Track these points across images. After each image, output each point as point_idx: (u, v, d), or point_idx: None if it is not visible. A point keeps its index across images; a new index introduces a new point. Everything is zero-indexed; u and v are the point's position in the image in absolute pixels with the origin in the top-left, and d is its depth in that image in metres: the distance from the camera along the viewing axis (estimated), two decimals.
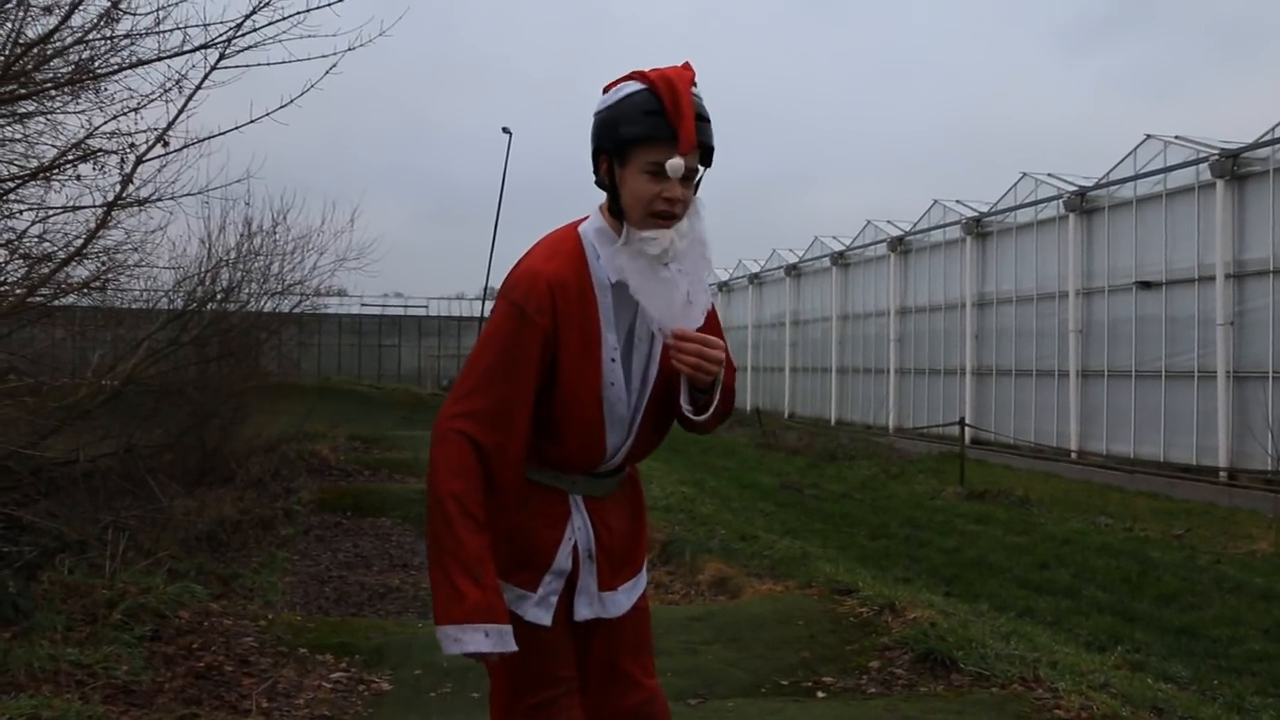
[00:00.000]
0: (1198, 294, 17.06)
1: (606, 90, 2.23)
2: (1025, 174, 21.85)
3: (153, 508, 8.58)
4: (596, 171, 2.24)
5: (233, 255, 11.17)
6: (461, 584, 2.06)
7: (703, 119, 2.17)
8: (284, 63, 5.79)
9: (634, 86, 2.17)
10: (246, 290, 11.83)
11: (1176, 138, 17.84)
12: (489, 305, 36.38)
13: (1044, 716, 4.24)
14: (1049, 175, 21.29)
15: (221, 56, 5.74)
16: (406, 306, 39.18)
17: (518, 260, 2.27)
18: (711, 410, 2.26)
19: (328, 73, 5.84)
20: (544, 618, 2.25)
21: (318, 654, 5.01)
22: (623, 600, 2.37)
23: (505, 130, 30.73)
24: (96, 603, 4.95)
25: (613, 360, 2.23)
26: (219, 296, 10.91)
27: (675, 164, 2.12)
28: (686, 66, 2.21)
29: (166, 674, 4.43)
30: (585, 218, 2.30)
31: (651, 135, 2.13)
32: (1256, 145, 15.97)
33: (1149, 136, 18.34)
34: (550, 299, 2.15)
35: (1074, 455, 19.45)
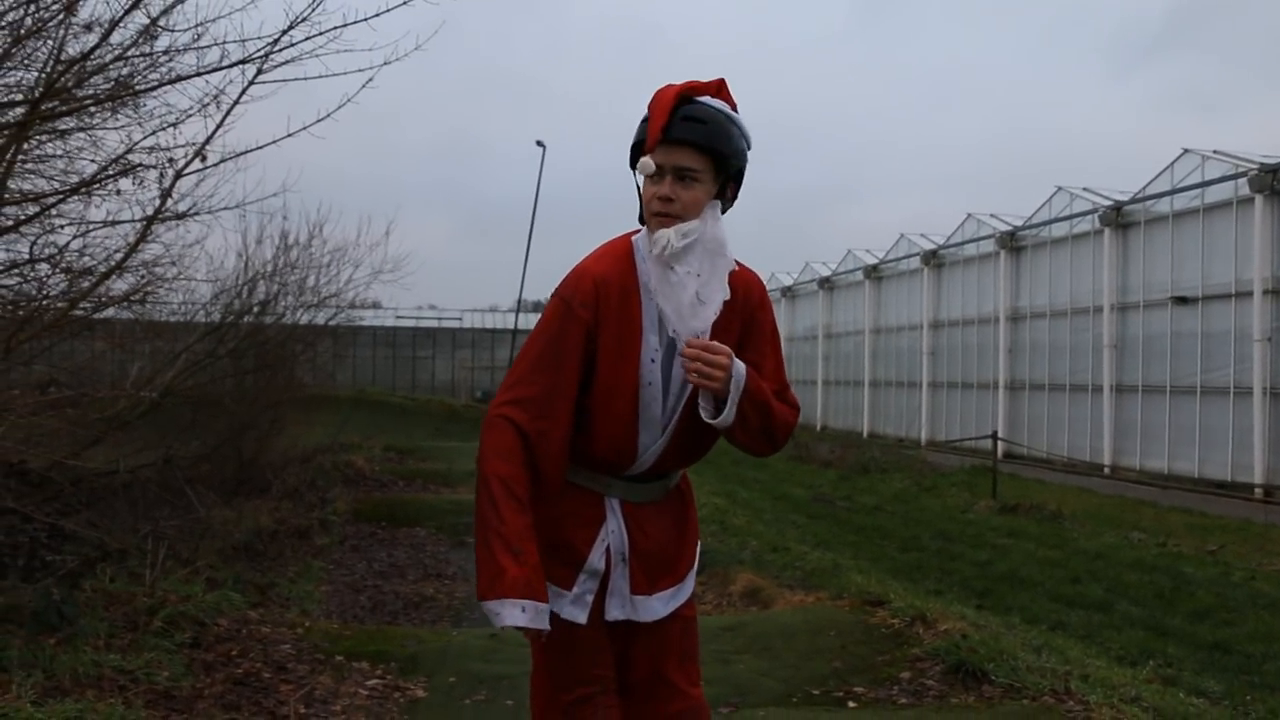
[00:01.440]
0: (1235, 309, 16.91)
1: None
2: (1060, 188, 21.75)
3: (191, 517, 8.71)
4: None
5: (269, 268, 11.32)
6: (503, 560, 2.15)
7: (696, 120, 2.27)
8: (320, 77, 5.89)
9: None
10: (282, 303, 11.99)
11: (1215, 152, 17.71)
12: (523, 317, 36.60)
13: None
14: (1084, 189, 21.18)
15: (259, 72, 5.85)
16: (440, 319, 39.44)
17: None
18: (727, 417, 2.28)
19: (364, 87, 5.94)
20: (579, 615, 2.33)
21: (354, 661, 5.08)
22: (657, 607, 2.42)
23: (539, 144, 30.96)
24: (138, 610, 5.05)
25: (652, 361, 2.30)
26: (255, 309, 11.05)
27: (644, 162, 2.28)
28: (717, 80, 2.34)
29: (206, 680, 4.51)
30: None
31: (640, 139, 2.31)
32: None
33: (1186, 151, 18.22)
34: (594, 295, 2.27)
35: (1107, 470, 19.30)
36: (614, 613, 2.37)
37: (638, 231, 2.41)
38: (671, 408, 2.35)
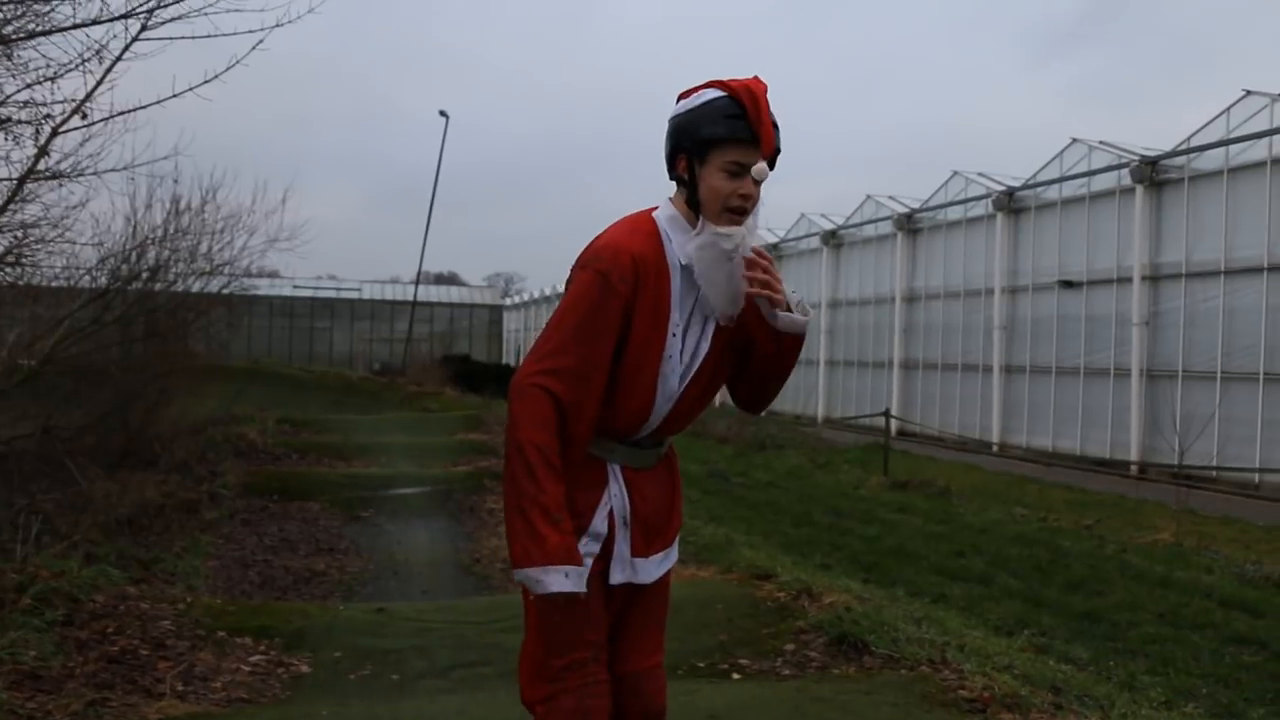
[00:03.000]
0: (1116, 295, 17.56)
1: (682, 98, 2.42)
2: (956, 172, 22.24)
3: (71, 491, 8.45)
4: (672, 168, 2.42)
5: (159, 233, 10.97)
6: (543, 528, 2.19)
7: (776, 126, 2.36)
8: (209, 36, 5.76)
9: (715, 94, 2.35)
10: (174, 270, 11.65)
11: (1101, 143, 18.30)
12: (423, 289, 36.16)
13: (948, 696, 4.37)
14: (979, 174, 21.69)
15: (144, 27, 5.67)
16: (339, 289, 38.77)
17: (596, 236, 2.42)
18: (804, 318, 2.44)
19: (254, 48, 5.83)
20: (580, 581, 2.34)
21: (236, 637, 4.99)
22: (654, 569, 2.51)
23: (442, 113, 30.63)
24: (4, 587, 4.85)
25: (674, 335, 2.39)
26: (144, 276, 10.70)
27: (760, 168, 2.34)
28: (758, 80, 2.39)
29: (79, 659, 4.37)
30: (656, 207, 2.48)
31: (733, 137, 2.31)
32: (1174, 153, 16.46)
33: (1075, 140, 18.79)
34: (634, 271, 2.32)
35: (995, 448, 19.90)
36: (616, 576, 2.43)
37: (653, 209, 2.47)
38: (683, 377, 2.43)
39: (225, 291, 14.24)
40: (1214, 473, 14.61)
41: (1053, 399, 19.03)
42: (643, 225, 2.42)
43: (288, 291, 35.92)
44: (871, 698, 4.31)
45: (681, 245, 2.39)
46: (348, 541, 8.89)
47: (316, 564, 8.00)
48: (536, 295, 54.92)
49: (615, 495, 2.42)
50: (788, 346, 2.48)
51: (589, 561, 2.35)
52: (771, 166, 2.40)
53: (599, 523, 2.39)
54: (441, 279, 57.69)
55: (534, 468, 2.21)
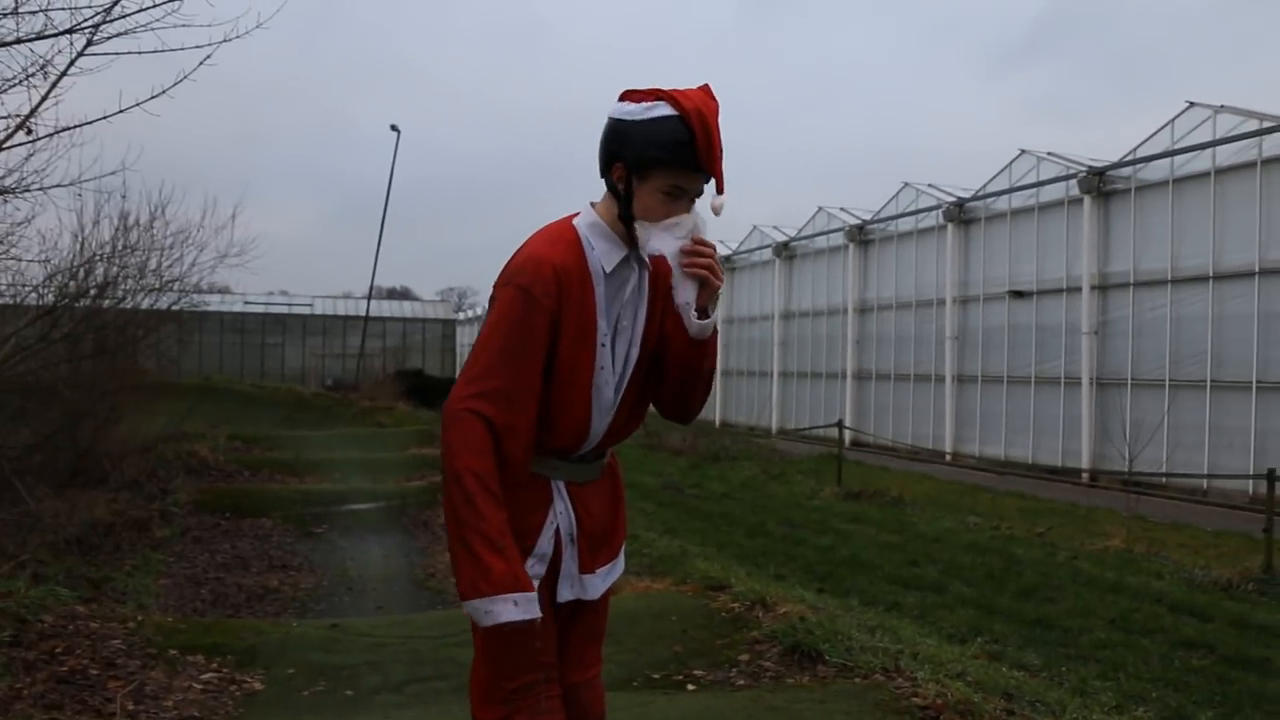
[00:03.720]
0: (1065, 304, 17.83)
1: (626, 98, 2.32)
2: (907, 184, 22.47)
3: (19, 510, 8.31)
4: (606, 172, 2.34)
5: (108, 250, 10.84)
6: (486, 557, 2.12)
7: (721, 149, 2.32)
8: (155, 51, 5.71)
9: (665, 111, 2.26)
10: (123, 286, 11.52)
11: (1049, 154, 18.58)
12: (375, 304, 35.92)
13: (902, 704, 4.41)
14: (929, 185, 21.94)
15: (89, 43, 5.63)
16: (291, 305, 38.41)
17: (516, 250, 2.35)
18: (713, 321, 2.38)
19: (201, 64, 5.81)
20: None
21: (188, 655, 4.94)
22: (599, 583, 2.47)
23: (394, 128, 30.51)
24: None
25: (603, 345, 2.33)
26: (93, 292, 10.58)
27: (719, 204, 2.32)
28: (708, 92, 2.33)
29: (26, 680, 4.31)
30: (576, 214, 2.40)
31: (677, 163, 2.25)
32: (1120, 164, 16.76)
33: (1023, 151, 19.07)
34: (556, 284, 2.25)
35: (948, 457, 20.09)
36: (565, 594, 2.38)
37: (573, 216, 2.40)
38: (617, 388, 2.38)
39: (175, 308, 14.10)
40: (1163, 479, 14.85)
41: (1005, 408, 19.27)
42: (563, 234, 2.34)
43: (239, 307, 35.57)
44: (825, 706, 4.34)
45: (605, 253, 2.33)
46: (301, 558, 8.82)
47: (269, 581, 7.92)
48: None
49: (561, 513, 2.36)
50: (709, 350, 2.45)
51: (535, 584, 2.28)
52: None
53: (544, 543, 2.33)
54: (394, 294, 57.35)
55: (472, 496, 2.14)
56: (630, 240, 2.33)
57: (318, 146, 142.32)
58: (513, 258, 2.33)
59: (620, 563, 2.59)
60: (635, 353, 2.41)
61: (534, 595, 2.17)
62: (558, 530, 2.36)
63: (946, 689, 4.55)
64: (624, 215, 2.32)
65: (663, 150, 2.24)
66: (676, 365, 2.45)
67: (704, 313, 2.37)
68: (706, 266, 2.30)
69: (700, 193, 2.31)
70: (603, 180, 2.38)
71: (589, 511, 2.42)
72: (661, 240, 2.28)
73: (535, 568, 2.31)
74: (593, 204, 2.40)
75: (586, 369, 2.31)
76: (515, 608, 2.13)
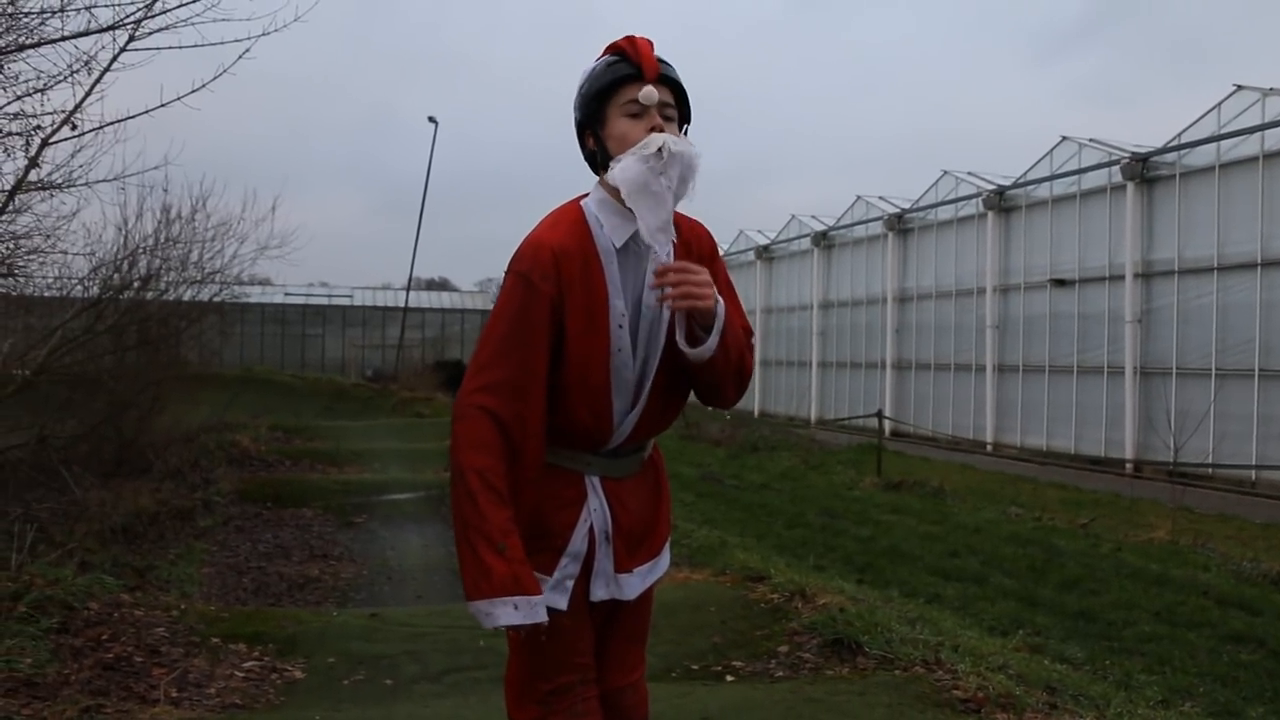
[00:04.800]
0: (1108, 292, 17.59)
1: None
2: (946, 172, 22.26)
3: (66, 499, 8.45)
4: (584, 149, 2.31)
5: (150, 242, 10.98)
6: (487, 558, 2.06)
7: (664, 61, 2.27)
8: (195, 46, 5.78)
9: (600, 59, 2.28)
10: (165, 278, 11.67)
11: (1091, 140, 18.32)
12: (414, 295, 36.13)
13: (942, 696, 4.38)
14: (969, 174, 21.71)
15: (131, 38, 5.70)
16: (331, 296, 38.72)
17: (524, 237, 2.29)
18: (710, 345, 2.23)
19: (240, 57, 5.86)
20: (560, 602, 2.22)
21: (230, 644, 4.99)
22: (637, 583, 2.36)
23: (431, 120, 30.67)
24: (0, 595, 4.88)
25: (620, 326, 2.22)
26: (136, 285, 10.72)
27: (647, 91, 2.21)
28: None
29: (74, 666, 4.38)
30: (585, 194, 2.32)
31: (618, 79, 2.22)
32: (1165, 150, 16.49)
33: (1065, 138, 18.81)
34: (555, 266, 2.16)
35: (989, 447, 19.92)
36: (598, 593, 2.29)
37: (583, 196, 2.32)
38: (641, 371, 2.27)
39: (217, 299, 14.24)
40: (1210, 470, 14.63)
41: (1046, 398, 19.05)
42: (566, 215, 2.26)
43: (279, 299, 35.91)
44: (865, 699, 4.32)
45: (615, 229, 2.23)
46: (341, 547, 8.89)
47: (310, 570, 7.99)
48: None
49: (595, 510, 2.27)
50: (718, 365, 2.29)
51: (569, 584, 2.23)
52: (684, 112, 2.31)
53: (578, 541, 2.25)
54: (433, 285, 57.64)
55: (474, 494, 2.08)
56: None
57: (360, 139, 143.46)
58: (520, 244, 2.26)
59: (663, 560, 2.47)
60: (661, 334, 2.28)
61: (538, 599, 2.10)
62: (591, 528, 2.27)
63: (988, 682, 4.51)
64: (598, 168, 2.28)
65: (601, 79, 2.24)
66: (696, 373, 2.33)
67: (696, 340, 2.25)
68: (682, 294, 2.17)
69: (650, 101, 2.21)
70: (586, 164, 2.34)
71: (625, 508, 2.32)
72: (630, 169, 2.16)
73: (569, 567, 2.24)
74: (599, 181, 2.31)
75: (601, 353, 2.21)
76: (515, 611, 2.07)
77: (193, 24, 5.59)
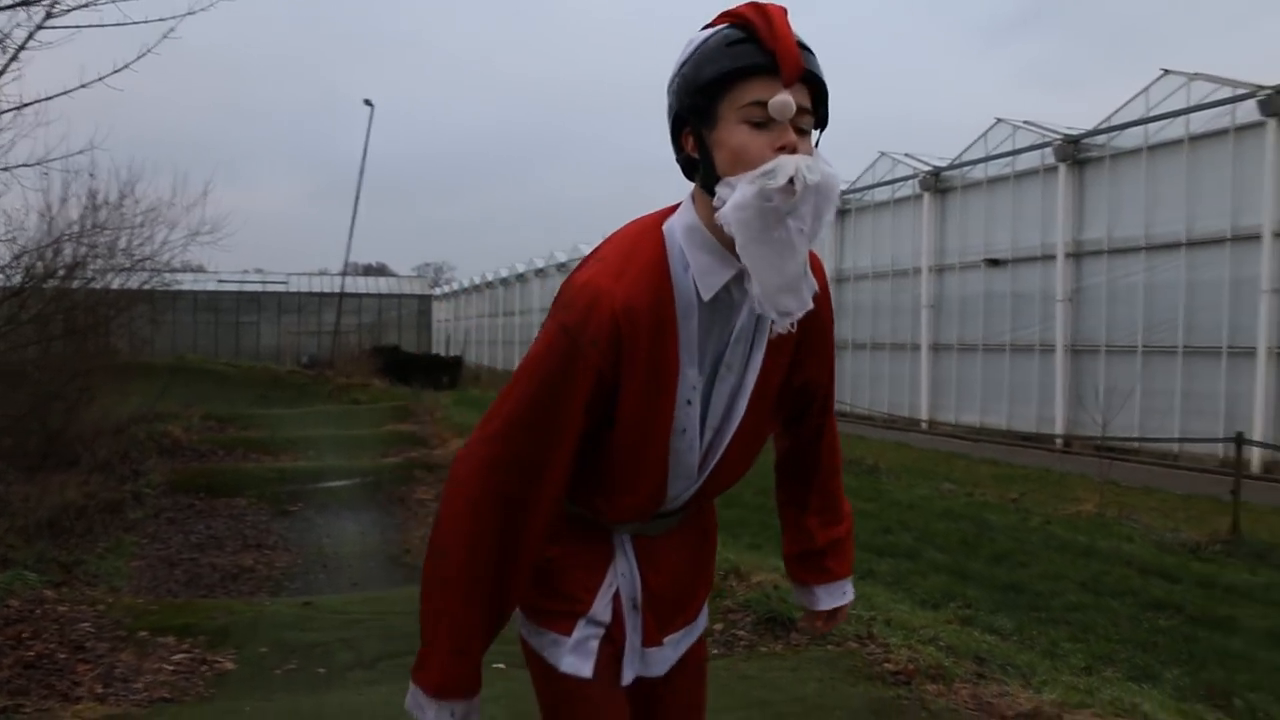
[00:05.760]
0: (1040, 272, 17.90)
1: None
2: (883, 153, 22.46)
3: None
4: (680, 152, 1.69)
5: (76, 229, 10.77)
6: (442, 654, 1.73)
7: (805, 47, 1.62)
8: (118, 25, 5.65)
9: (712, 30, 1.65)
10: (92, 266, 11.45)
11: (1025, 122, 18.59)
12: (349, 281, 35.71)
13: (874, 670, 4.45)
14: (906, 155, 21.93)
15: (49, 14, 5.56)
16: (265, 282, 38.14)
17: (581, 262, 1.76)
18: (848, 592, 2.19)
19: (165, 37, 5.74)
20: (583, 668, 1.80)
21: (159, 636, 4.92)
22: (668, 654, 1.91)
23: (367, 102, 30.29)
24: None
25: (689, 403, 1.72)
26: (61, 272, 10.50)
27: (781, 101, 1.57)
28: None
29: None
30: (676, 206, 1.74)
31: (741, 68, 1.58)
32: (1095, 132, 16.79)
33: (999, 120, 19.07)
34: (613, 330, 1.62)
35: (925, 425, 20.20)
36: (626, 675, 1.85)
37: (670, 211, 1.73)
38: (709, 448, 1.80)
39: (147, 287, 14.00)
40: (1136, 444, 14.97)
41: (980, 375, 19.36)
42: (641, 254, 1.67)
43: (212, 286, 35.32)
44: (798, 674, 4.37)
45: (705, 272, 1.66)
46: (276, 536, 8.79)
47: (244, 560, 7.90)
48: (466, 284, 54.58)
49: (623, 574, 1.84)
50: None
51: (592, 645, 1.81)
52: (821, 114, 1.66)
53: (600, 609, 1.81)
54: (370, 270, 57.10)
55: (448, 583, 1.71)
56: None
57: (301, 122, 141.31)
58: (574, 274, 1.72)
59: (701, 622, 2.02)
60: (742, 405, 1.77)
61: (475, 701, 1.77)
62: (617, 593, 1.83)
63: (919, 654, 4.59)
64: (708, 186, 1.63)
65: (714, 62, 1.60)
66: (799, 443, 2.10)
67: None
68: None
69: (786, 114, 1.58)
70: (681, 170, 1.72)
71: (658, 569, 1.87)
72: (745, 207, 1.55)
73: (588, 629, 1.81)
74: (691, 196, 1.71)
75: (662, 431, 1.72)
76: (450, 717, 1.74)
77: (115, 2, 5.47)
